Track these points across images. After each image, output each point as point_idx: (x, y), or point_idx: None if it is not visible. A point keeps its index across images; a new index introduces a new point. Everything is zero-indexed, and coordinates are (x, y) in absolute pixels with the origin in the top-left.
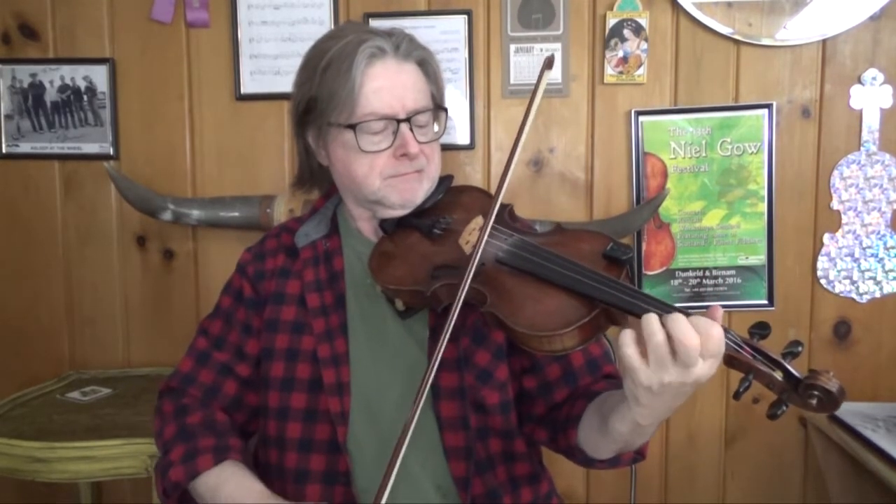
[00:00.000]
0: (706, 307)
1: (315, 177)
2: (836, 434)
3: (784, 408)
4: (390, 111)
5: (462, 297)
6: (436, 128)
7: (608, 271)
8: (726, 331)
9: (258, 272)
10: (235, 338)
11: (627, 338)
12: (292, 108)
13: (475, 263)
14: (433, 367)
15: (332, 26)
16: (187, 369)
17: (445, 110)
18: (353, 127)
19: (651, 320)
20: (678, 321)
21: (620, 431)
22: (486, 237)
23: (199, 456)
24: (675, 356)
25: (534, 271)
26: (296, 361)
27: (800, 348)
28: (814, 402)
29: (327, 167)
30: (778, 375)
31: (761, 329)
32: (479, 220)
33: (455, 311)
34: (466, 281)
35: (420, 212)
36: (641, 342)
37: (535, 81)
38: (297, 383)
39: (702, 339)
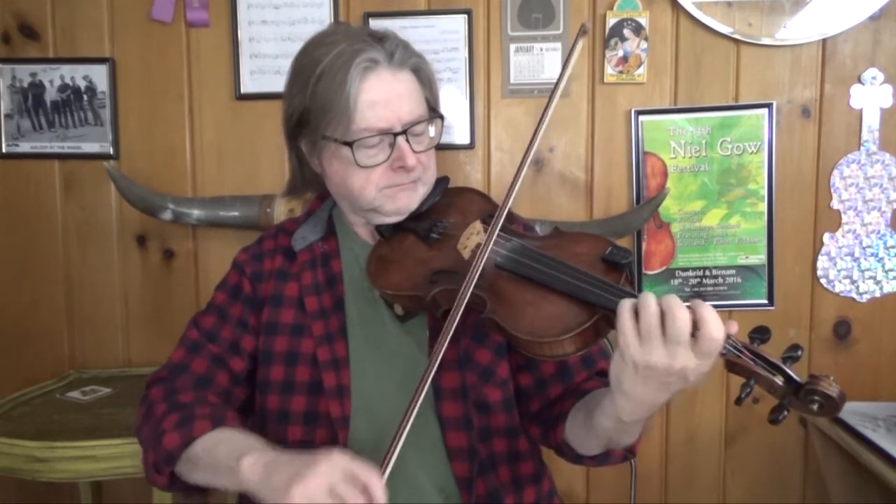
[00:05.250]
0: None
1: (308, 184)
2: (837, 434)
3: (785, 413)
4: (386, 125)
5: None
6: (432, 133)
7: (607, 275)
8: (728, 336)
9: (256, 272)
10: (229, 333)
11: (627, 307)
12: (284, 118)
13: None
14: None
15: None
16: (178, 359)
17: (441, 117)
18: (349, 143)
19: (648, 295)
20: (672, 297)
21: (604, 426)
22: (489, 248)
23: (196, 421)
24: (665, 332)
25: (533, 277)
26: (295, 365)
27: (800, 352)
28: (815, 406)
29: (321, 174)
30: (779, 380)
31: (762, 334)
32: (476, 225)
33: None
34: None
35: (416, 215)
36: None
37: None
38: (296, 387)
39: (701, 333)
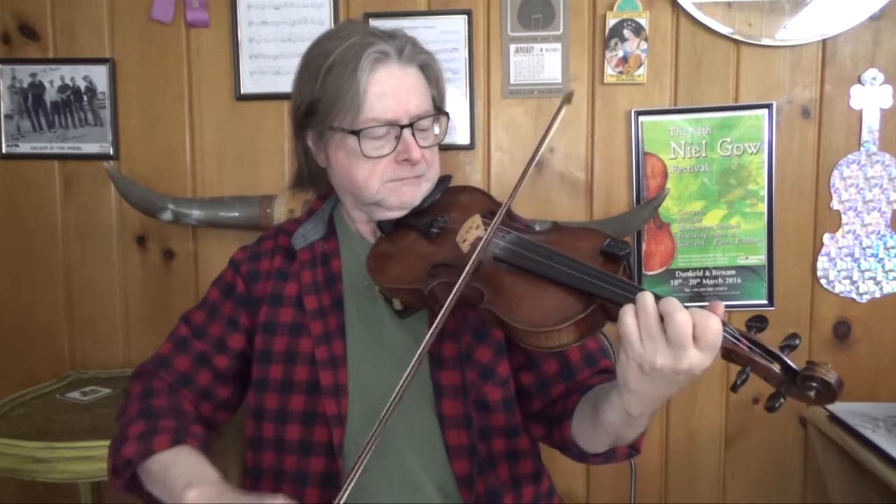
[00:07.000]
0: (706, 307)
1: (313, 178)
2: (836, 434)
3: (782, 400)
4: (393, 116)
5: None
6: (436, 131)
7: (606, 267)
8: (724, 324)
9: (252, 272)
10: (217, 330)
11: (629, 309)
12: (293, 109)
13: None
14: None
15: (332, 26)
16: (164, 353)
17: (447, 114)
18: (356, 133)
19: (645, 295)
20: (670, 300)
21: (612, 422)
22: (488, 238)
23: (157, 435)
24: (667, 336)
25: (531, 268)
26: (294, 364)
27: (797, 341)
28: (812, 393)
29: (325, 168)
30: (776, 368)
31: (759, 322)
32: (476, 219)
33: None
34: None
35: (418, 212)
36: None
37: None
38: (295, 386)
39: (699, 329)
